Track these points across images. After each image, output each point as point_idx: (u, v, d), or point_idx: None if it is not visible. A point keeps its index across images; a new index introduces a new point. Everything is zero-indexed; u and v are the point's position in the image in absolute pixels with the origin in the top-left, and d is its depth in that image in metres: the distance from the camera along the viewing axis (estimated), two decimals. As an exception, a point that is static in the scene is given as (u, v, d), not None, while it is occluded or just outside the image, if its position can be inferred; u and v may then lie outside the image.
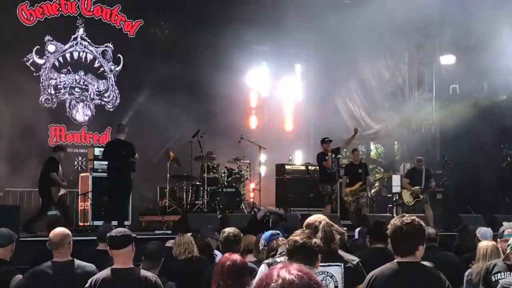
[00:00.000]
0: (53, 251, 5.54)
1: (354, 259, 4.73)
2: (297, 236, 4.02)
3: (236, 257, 4.36)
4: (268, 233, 5.61)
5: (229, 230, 6.48)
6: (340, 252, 4.75)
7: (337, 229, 4.74)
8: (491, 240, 7.11)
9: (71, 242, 5.61)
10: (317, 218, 4.95)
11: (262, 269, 4.90)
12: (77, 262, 5.56)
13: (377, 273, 4.39)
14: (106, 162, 12.74)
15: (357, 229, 8.76)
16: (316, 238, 4.27)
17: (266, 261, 5.04)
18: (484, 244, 6.45)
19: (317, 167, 14.67)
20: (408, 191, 14.88)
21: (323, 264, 4.23)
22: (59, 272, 5.42)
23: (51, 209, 12.72)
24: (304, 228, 4.86)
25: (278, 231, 5.64)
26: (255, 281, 3.50)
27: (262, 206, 14.03)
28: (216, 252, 7.34)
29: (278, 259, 4.95)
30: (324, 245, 4.42)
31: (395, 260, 4.37)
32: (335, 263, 4.56)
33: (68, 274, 5.44)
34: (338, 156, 14.33)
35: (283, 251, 5.16)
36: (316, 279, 2.33)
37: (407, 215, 4.38)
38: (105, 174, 12.94)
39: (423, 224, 4.32)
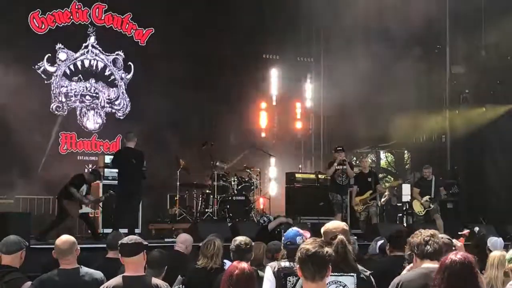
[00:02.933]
0: (59, 259, 5.52)
1: (366, 270, 4.70)
2: (309, 244, 3.98)
3: (244, 265, 4.33)
4: (289, 236, 5.44)
5: (240, 238, 6.44)
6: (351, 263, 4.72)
7: (350, 250, 4.66)
8: (502, 249, 7.09)
9: (78, 249, 5.60)
10: (337, 227, 4.80)
11: (267, 272, 4.88)
12: (84, 269, 5.53)
13: (403, 279, 4.57)
14: (117, 170, 12.78)
15: (379, 242, 8.21)
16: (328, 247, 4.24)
17: (270, 263, 5.03)
18: (495, 254, 6.48)
19: (328, 176, 14.71)
20: (418, 201, 14.80)
21: (336, 273, 4.20)
22: (66, 280, 5.39)
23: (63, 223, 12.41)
24: (322, 232, 4.79)
25: (300, 235, 5.44)
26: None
27: (271, 215, 14.00)
28: (225, 260, 7.31)
29: (282, 263, 4.94)
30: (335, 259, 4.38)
31: (423, 265, 4.58)
32: (348, 273, 4.52)
33: (75, 281, 5.42)
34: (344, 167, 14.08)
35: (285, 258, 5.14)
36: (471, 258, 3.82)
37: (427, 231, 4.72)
38: (116, 182, 12.99)
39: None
